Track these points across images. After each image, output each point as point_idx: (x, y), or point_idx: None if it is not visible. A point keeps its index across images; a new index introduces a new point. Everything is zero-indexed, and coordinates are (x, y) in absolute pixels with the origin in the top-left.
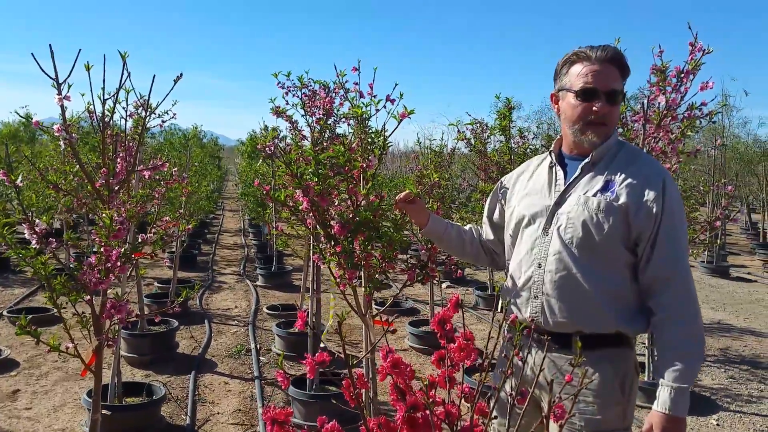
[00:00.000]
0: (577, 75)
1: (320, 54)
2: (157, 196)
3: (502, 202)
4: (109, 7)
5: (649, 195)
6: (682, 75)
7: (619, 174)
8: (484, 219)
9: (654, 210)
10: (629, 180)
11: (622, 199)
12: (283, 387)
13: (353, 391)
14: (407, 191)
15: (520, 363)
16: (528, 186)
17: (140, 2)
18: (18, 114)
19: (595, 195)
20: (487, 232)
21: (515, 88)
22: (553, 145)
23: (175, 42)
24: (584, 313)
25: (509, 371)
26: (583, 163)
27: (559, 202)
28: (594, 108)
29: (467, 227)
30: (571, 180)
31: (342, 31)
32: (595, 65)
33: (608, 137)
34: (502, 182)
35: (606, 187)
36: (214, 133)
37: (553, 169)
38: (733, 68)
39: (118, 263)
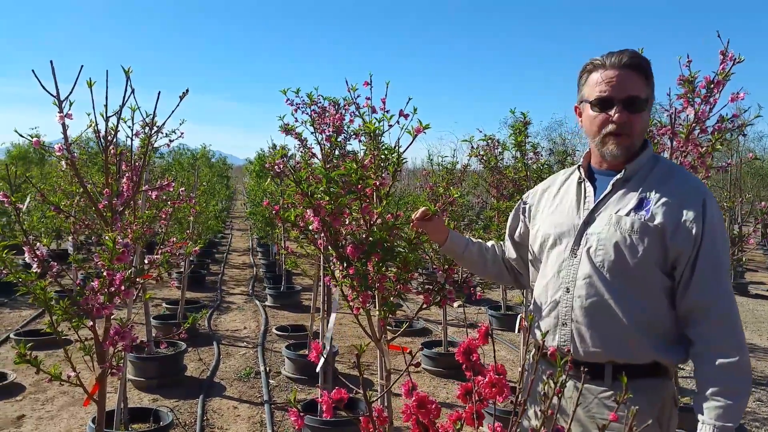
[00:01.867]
0: (593, 84)
1: (328, 73)
2: (164, 216)
3: (526, 219)
4: (114, 30)
5: (688, 215)
6: (712, 85)
7: (654, 191)
8: (506, 237)
9: (693, 231)
10: (666, 198)
11: (658, 219)
12: (297, 427)
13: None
14: (424, 208)
15: (546, 394)
16: (554, 203)
17: (143, 23)
18: (19, 133)
19: (628, 214)
20: (510, 251)
21: (524, 105)
22: (582, 159)
23: (183, 64)
24: (618, 342)
25: (549, 411)
26: (614, 179)
27: (588, 221)
28: (611, 118)
29: (489, 244)
30: (602, 197)
31: (351, 50)
32: (609, 72)
33: (631, 149)
34: (524, 198)
35: (640, 206)
36: (222, 153)
37: (582, 184)
38: (745, 81)
39: (123, 287)
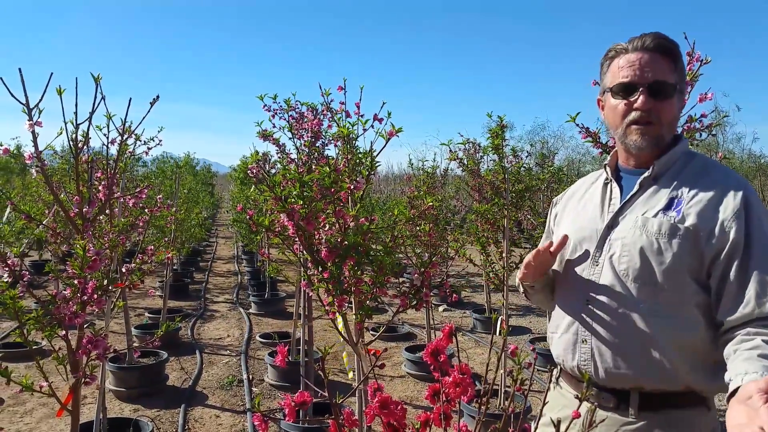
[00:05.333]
0: (615, 71)
1: (309, 80)
2: (140, 224)
3: (553, 228)
4: (84, 37)
5: (726, 213)
6: None
7: (687, 189)
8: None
9: (732, 234)
10: (700, 196)
11: (690, 221)
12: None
13: None
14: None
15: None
16: (579, 206)
17: (117, 30)
18: None
19: (655, 215)
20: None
21: (507, 110)
22: (608, 158)
23: (162, 72)
24: (645, 363)
25: (511, 409)
26: (642, 176)
27: (612, 224)
28: (634, 104)
29: None
30: (628, 197)
31: (331, 57)
32: (632, 56)
33: (659, 141)
34: (552, 205)
35: (670, 206)
36: (207, 160)
37: (609, 185)
38: (724, 83)
39: (95, 296)
